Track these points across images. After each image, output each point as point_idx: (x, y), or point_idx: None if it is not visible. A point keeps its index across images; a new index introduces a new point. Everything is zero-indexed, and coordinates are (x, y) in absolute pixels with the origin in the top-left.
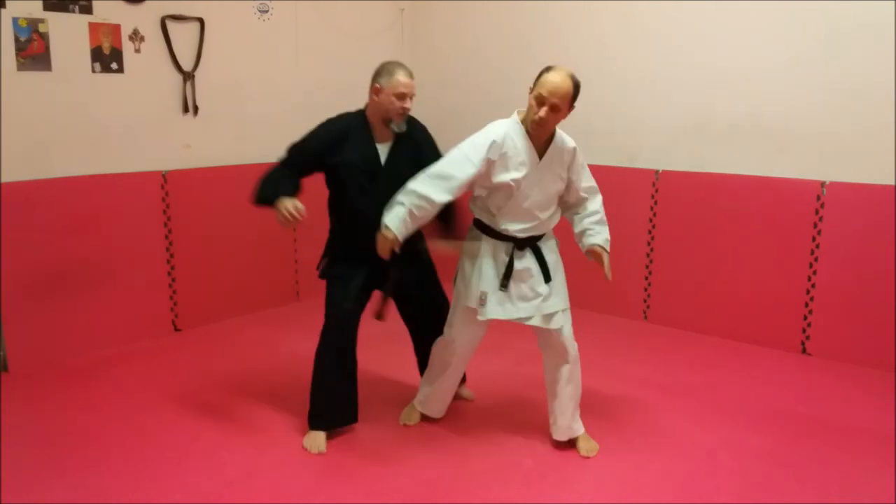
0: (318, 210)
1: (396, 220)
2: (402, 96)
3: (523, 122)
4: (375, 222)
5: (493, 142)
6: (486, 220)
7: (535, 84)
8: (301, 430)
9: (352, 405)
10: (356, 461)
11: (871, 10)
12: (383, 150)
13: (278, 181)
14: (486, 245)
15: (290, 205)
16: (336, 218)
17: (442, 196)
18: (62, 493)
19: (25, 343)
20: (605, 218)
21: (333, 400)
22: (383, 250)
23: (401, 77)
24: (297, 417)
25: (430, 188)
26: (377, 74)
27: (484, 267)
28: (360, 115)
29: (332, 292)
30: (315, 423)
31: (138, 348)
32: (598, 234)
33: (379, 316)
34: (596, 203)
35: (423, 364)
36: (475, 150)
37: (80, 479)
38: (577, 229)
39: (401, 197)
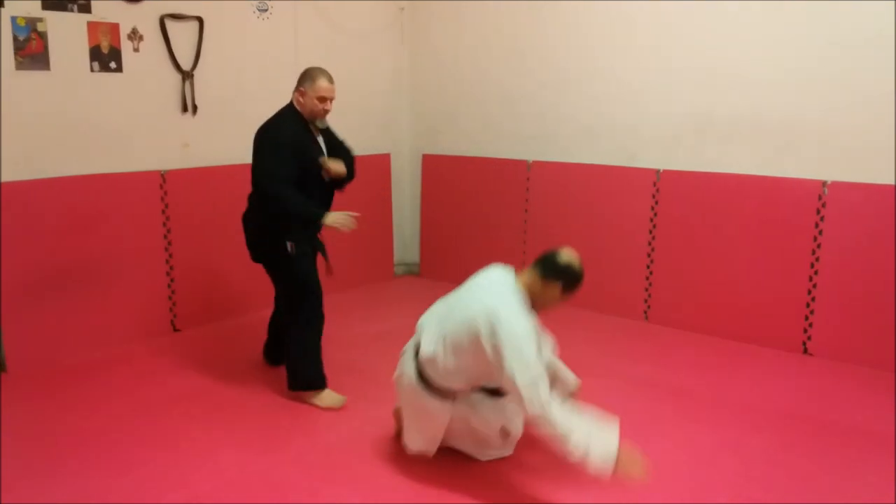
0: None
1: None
2: (323, 100)
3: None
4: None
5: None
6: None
7: None
8: (301, 431)
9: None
10: (356, 461)
11: (872, 10)
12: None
13: (305, 200)
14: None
15: (342, 215)
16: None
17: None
18: (62, 493)
19: (25, 343)
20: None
21: (320, 362)
22: None
23: (322, 83)
24: (298, 417)
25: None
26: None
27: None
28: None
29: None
30: (321, 383)
31: (138, 348)
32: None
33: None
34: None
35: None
36: (530, 342)
37: (80, 479)
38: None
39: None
